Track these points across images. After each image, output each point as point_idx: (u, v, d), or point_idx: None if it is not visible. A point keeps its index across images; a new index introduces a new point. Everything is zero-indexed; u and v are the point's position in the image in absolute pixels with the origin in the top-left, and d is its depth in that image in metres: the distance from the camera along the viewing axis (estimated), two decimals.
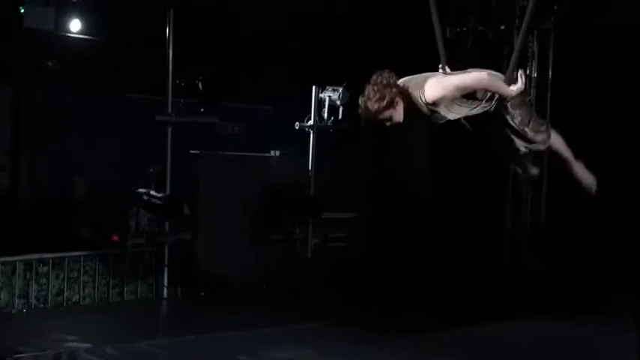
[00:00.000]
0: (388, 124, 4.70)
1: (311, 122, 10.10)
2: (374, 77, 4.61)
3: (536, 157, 5.42)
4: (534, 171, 5.44)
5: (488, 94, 4.72)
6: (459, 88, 4.58)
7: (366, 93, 4.60)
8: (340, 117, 10.08)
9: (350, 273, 10.25)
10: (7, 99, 9.74)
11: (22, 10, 9.33)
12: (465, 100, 4.71)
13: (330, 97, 10.03)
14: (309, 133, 10.14)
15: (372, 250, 10.75)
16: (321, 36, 10.80)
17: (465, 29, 10.32)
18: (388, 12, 10.08)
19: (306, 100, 10.11)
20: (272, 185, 10.12)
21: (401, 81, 4.69)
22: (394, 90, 4.60)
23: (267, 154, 10.37)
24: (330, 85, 9.99)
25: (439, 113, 4.71)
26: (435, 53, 4.97)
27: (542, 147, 5.03)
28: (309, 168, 10.24)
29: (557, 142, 5.13)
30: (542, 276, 10.12)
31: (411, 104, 4.66)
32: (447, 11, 4.90)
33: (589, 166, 5.31)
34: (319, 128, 10.13)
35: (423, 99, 4.61)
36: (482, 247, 10.56)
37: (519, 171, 5.50)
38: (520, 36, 5.26)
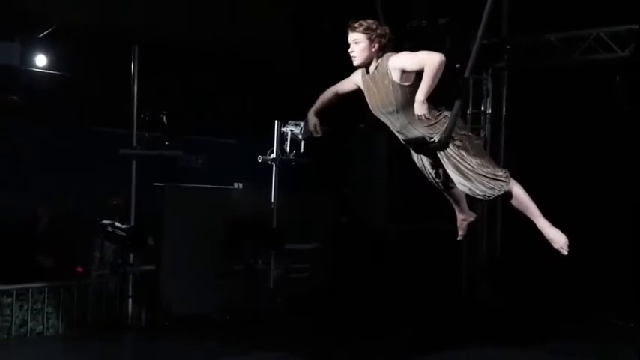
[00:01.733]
0: (353, 51, 4.66)
1: (273, 156, 10.08)
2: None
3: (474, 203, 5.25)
4: (471, 217, 5.32)
5: (440, 119, 4.66)
6: (415, 62, 4.48)
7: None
8: (302, 151, 10.08)
9: (312, 303, 10.24)
10: None
11: None
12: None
13: (292, 131, 10.02)
14: (272, 166, 10.12)
15: (334, 280, 10.74)
16: (284, 72, 10.88)
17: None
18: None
19: (269, 134, 10.11)
20: (235, 217, 10.11)
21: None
22: (387, 36, 4.63)
23: (231, 187, 10.37)
24: (292, 119, 9.99)
25: (395, 111, 4.65)
26: None
27: (493, 193, 4.81)
28: (272, 200, 10.22)
29: (519, 194, 4.88)
30: (497, 306, 10.25)
31: (376, 65, 4.65)
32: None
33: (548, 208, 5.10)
34: (281, 162, 10.11)
35: (386, 64, 4.60)
36: (440, 278, 10.65)
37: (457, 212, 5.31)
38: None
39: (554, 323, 9.59)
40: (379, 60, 4.66)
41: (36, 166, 9.88)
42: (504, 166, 10.30)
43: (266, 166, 10.12)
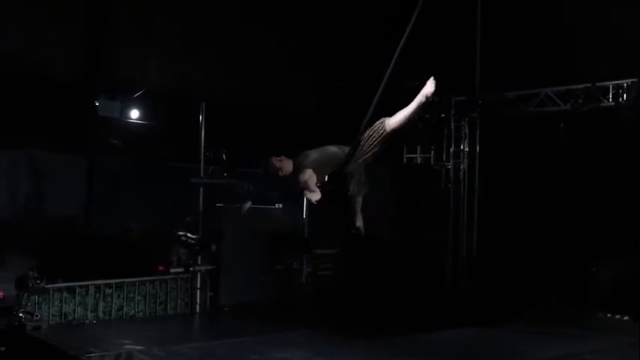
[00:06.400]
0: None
1: None
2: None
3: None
4: (359, 223, 5.25)
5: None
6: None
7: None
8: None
9: (334, 294, 10.23)
10: (84, 167, 9.73)
11: (97, 104, 9.45)
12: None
13: None
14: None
15: (349, 277, 10.67)
16: (309, 124, 10.87)
17: (416, 117, 10.60)
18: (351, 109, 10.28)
19: None
20: (276, 229, 10.16)
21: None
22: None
23: (273, 207, 10.40)
24: None
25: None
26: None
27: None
28: (304, 217, 10.32)
29: (393, 121, 5.01)
30: (475, 295, 10.11)
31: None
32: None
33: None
34: None
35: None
36: (429, 273, 10.53)
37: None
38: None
39: (520, 307, 9.48)
40: None
41: (131, 191, 9.91)
42: (479, 191, 10.24)
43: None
